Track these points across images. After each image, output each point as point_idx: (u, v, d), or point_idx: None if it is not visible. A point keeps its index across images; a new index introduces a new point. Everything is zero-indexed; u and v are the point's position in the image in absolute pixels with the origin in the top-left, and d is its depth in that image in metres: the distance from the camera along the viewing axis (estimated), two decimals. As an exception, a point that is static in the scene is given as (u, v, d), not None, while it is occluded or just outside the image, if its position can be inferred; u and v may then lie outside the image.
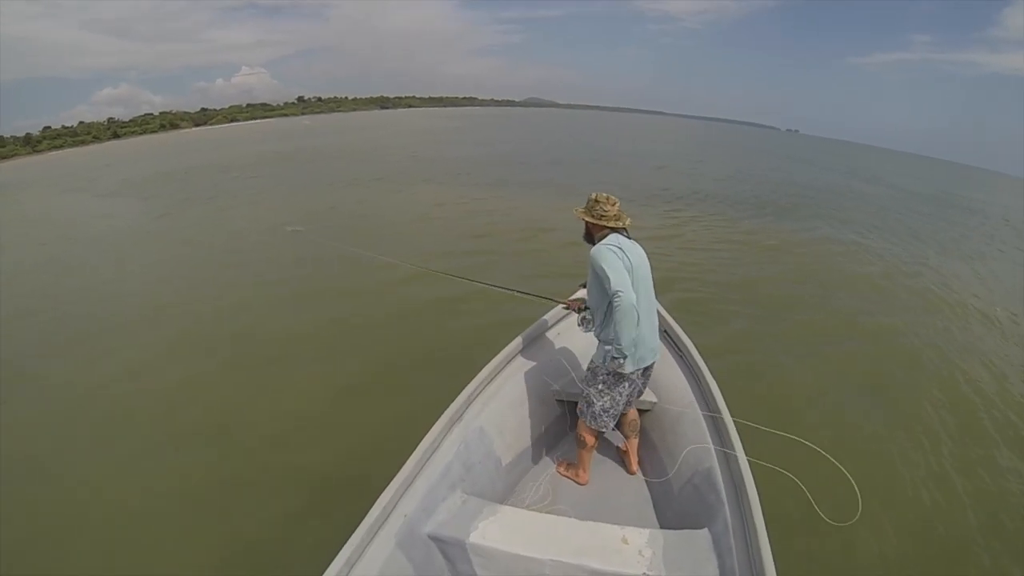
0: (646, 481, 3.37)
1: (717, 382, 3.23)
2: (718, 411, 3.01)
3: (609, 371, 2.97)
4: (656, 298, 3.08)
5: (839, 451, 3.04)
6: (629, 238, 2.91)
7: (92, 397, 6.06)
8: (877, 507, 4.04)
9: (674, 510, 2.94)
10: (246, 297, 8.97)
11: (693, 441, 3.01)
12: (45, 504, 4.35)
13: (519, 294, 4.20)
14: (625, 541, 2.36)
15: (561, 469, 3.47)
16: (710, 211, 15.97)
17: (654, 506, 3.14)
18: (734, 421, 2.91)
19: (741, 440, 2.74)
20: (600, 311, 2.98)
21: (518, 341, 3.76)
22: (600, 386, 3.04)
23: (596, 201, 2.88)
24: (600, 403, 3.06)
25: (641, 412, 3.50)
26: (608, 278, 2.71)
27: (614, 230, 2.89)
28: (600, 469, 3.49)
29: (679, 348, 3.79)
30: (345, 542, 2.16)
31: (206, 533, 3.95)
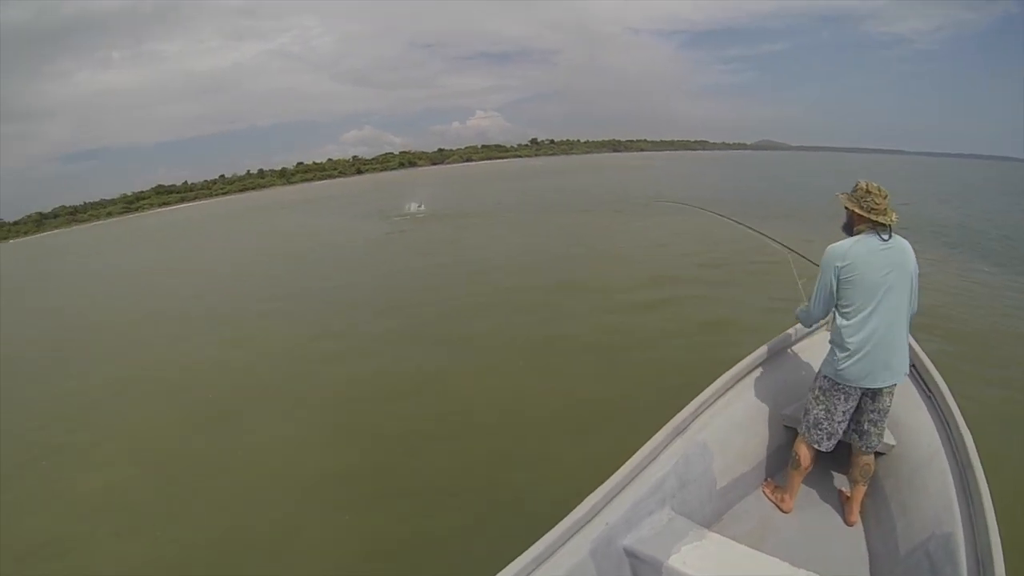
0: (867, 533, 2.97)
1: (972, 432, 2.75)
2: (969, 465, 2.55)
3: (827, 375, 2.89)
4: (911, 316, 2.80)
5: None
6: (888, 238, 2.70)
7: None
8: None
9: None
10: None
11: (934, 497, 2.62)
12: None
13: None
14: None
15: (767, 490, 3.26)
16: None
17: (871, 564, 2.77)
18: (988, 482, 2.42)
19: (995, 507, 2.25)
20: (821, 310, 2.97)
21: (754, 356, 3.61)
22: (817, 391, 2.97)
23: (867, 191, 2.70)
24: (815, 411, 2.96)
25: (876, 455, 3.07)
26: (819, 285, 2.84)
27: (876, 225, 2.69)
28: (815, 509, 3.19)
29: (928, 387, 3.34)
30: (540, 537, 2.18)
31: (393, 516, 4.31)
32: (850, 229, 2.83)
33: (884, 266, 2.67)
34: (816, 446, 2.98)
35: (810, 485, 3.28)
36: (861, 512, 3.08)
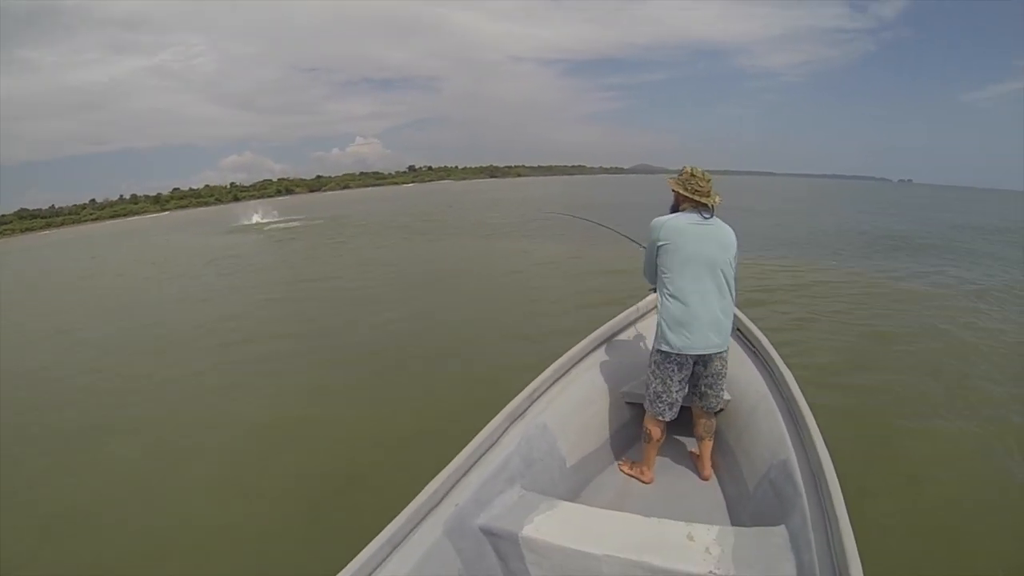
0: (721, 483, 3.27)
1: (792, 371, 3.15)
2: (793, 399, 2.90)
3: (658, 348, 3.00)
4: (733, 291, 2.99)
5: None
6: (708, 216, 2.93)
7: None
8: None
9: (750, 511, 2.81)
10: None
11: (768, 435, 2.92)
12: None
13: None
14: (691, 538, 2.26)
15: (625, 468, 3.39)
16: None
17: (728, 508, 3.05)
18: (811, 407, 2.77)
19: (820, 428, 2.56)
20: (650, 273, 3.18)
21: (588, 340, 3.78)
22: (652, 366, 3.10)
23: (692, 175, 2.91)
24: (653, 385, 3.10)
25: (716, 412, 3.35)
26: (645, 252, 3.13)
27: (698, 206, 2.92)
28: (671, 472, 3.41)
29: (752, 343, 3.76)
30: (388, 523, 2.12)
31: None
32: (676, 209, 3.06)
33: (700, 238, 2.86)
34: (660, 417, 3.12)
35: (663, 453, 3.43)
36: (713, 466, 3.35)
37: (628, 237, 4.69)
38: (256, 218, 42.62)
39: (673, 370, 3.00)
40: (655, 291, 3.25)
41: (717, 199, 2.92)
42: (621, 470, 3.40)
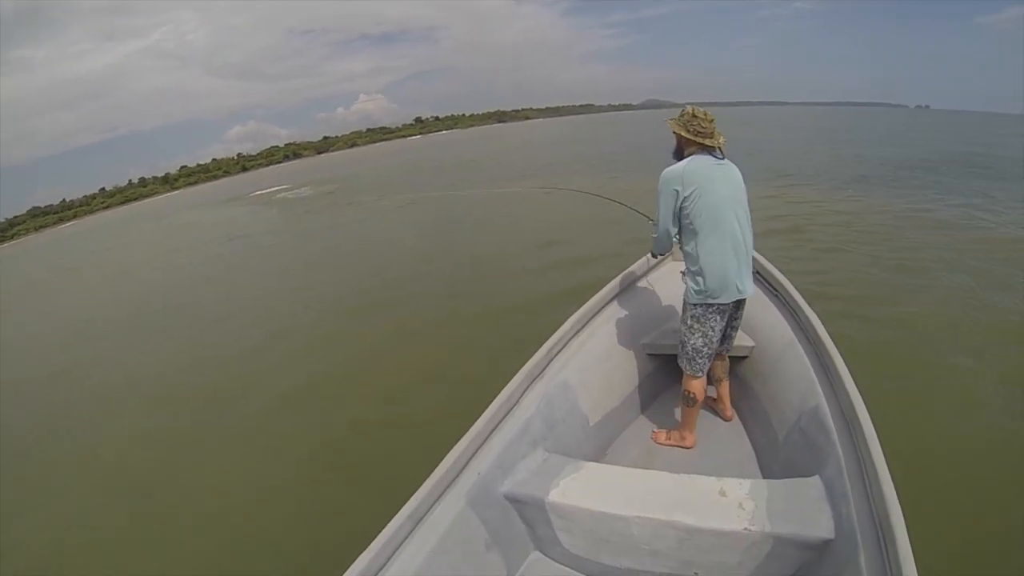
0: (749, 433, 3.21)
1: (819, 315, 3.03)
2: (820, 342, 2.79)
3: (696, 302, 2.86)
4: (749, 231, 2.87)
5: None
6: (721, 158, 2.81)
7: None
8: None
9: (781, 461, 2.73)
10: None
11: (797, 380, 2.84)
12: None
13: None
14: (723, 494, 2.22)
15: (661, 437, 3.26)
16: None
17: (759, 459, 2.99)
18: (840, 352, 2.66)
19: (851, 372, 2.47)
20: (668, 235, 2.98)
21: (604, 293, 3.69)
22: (690, 321, 2.93)
23: (693, 116, 2.77)
24: (692, 341, 2.95)
25: (740, 359, 3.40)
26: (660, 210, 2.82)
27: (705, 148, 2.78)
28: (700, 427, 3.26)
29: (773, 286, 3.63)
30: (411, 496, 2.08)
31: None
32: (680, 154, 2.88)
33: (721, 180, 2.74)
34: (700, 374, 3.00)
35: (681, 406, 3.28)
36: (740, 416, 3.33)
37: (637, 210, 4.36)
38: (263, 191, 42.43)
39: (716, 320, 2.88)
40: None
41: (722, 139, 2.79)
42: (656, 440, 3.27)
